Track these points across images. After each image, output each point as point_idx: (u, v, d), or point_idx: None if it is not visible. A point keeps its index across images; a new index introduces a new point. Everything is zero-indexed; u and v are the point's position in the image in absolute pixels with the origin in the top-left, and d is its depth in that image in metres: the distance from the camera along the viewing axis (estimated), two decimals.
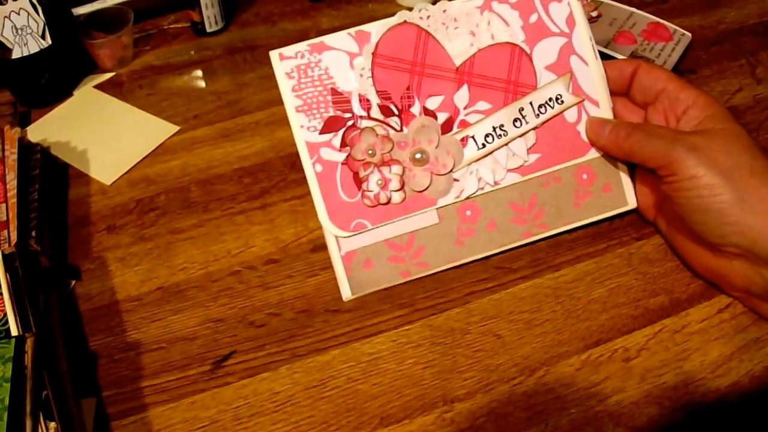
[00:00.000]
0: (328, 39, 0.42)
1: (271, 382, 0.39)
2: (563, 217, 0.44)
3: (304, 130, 0.41)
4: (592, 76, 0.44)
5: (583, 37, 0.44)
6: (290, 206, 0.49)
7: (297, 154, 0.53)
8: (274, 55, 0.41)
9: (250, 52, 0.65)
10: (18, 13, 0.55)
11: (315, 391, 0.38)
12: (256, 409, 0.38)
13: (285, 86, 0.41)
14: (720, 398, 0.37)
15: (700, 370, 0.38)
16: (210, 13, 0.66)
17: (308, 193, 0.49)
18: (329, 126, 0.41)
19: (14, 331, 0.36)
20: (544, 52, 0.43)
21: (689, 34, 0.60)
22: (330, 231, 0.41)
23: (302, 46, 0.41)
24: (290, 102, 0.41)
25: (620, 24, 0.60)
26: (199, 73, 0.63)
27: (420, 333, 0.41)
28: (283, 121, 0.56)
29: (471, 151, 0.42)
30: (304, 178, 0.51)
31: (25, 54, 0.56)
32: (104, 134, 0.57)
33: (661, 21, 0.60)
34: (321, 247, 0.46)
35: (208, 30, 0.67)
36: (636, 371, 0.38)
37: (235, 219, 0.49)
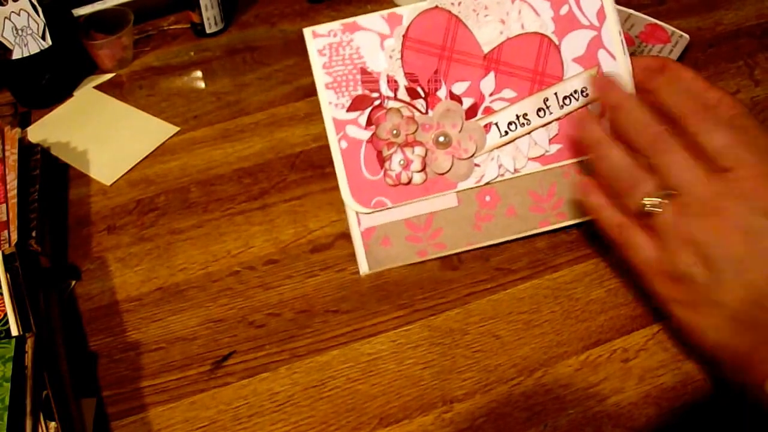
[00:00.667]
0: (361, 20, 0.42)
1: (271, 382, 0.39)
2: (581, 208, 0.44)
3: (332, 107, 0.42)
4: (620, 71, 0.44)
5: (613, 32, 0.44)
6: (290, 207, 0.49)
7: (296, 155, 0.53)
8: (307, 32, 0.42)
9: (249, 53, 0.65)
10: (18, 14, 0.55)
11: (314, 392, 0.39)
12: (256, 409, 0.38)
13: (316, 63, 0.42)
14: (719, 398, 0.37)
15: (698, 371, 0.38)
16: (210, 14, 0.66)
17: (308, 194, 0.50)
18: (357, 104, 0.42)
19: (14, 331, 0.36)
20: (573, 44, 0.43)
21: (687, 36, 0.60)
22: (351, 207, 0.42)
23: (335, 25, 0.42)
24: (320, 79, 0.42)
25: None
26: (198, 73, 0.63)
27: (419, 333, 0.41)
28: (283, 122, 0.57)
29: (493, 137, 0.43)
30: (304, 178, 0.51)
31: (25, 55, 0.56)
32: (104, 135, 0.57)
33: (659, 23, 0.61)
34: (321, 247, 0.46)
35: (208, 31, 0.67)
36: (635, 372, 0.38)
37: (234, 219, 0.49)
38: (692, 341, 0.36)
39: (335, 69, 0.42)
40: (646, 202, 0.36)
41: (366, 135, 0.42)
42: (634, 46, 0.58)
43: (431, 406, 0.38)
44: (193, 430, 0.37)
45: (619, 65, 0.44)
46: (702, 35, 0.63)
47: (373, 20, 0.42)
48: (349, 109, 0.42)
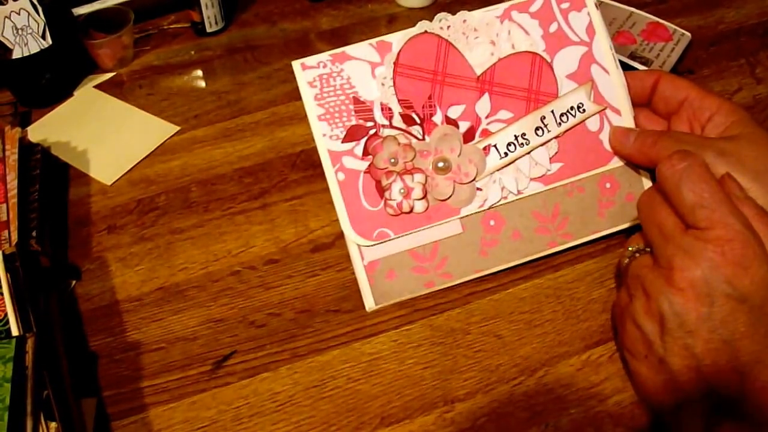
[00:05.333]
0: (350, 49, 0.42)
1: (272, 382, 0.39)
2: (587, 226, 0.43)
3: (326, 139, 0.41)
4: (614, 85, 0.43)
5: (604, 46, 0.43)
6: (290, 206, 0.49)
7: (297, 154, 0.53)
8: (296, 64, 0.42)
9: (250, 52, 0.65)
10: (18, 14, 0.55)
11: (315, 391, 0.38)
12: (257, 409, 0.38)
13: (307, 95, 0.41)
14: None
15: None
16: (210, 13, 0.66)
17: (308, 193, 0.50)
18: (352, 134, 0.41)
19: (15, 331, 0.36)
20: (565, 61, 0.43)
21: (689, 34, 0.60)
22: (353, 240, 0.41)
23: (324, 56, 0.42)
24: (312, 111, 0.41)
25: (620, 24, 0.60)
26: (199, 73, 0.63)
27: (420, 333, 0.41)
28: (284, 121, 0.56)
29: (493, 159, 0.42)
30: (305, 177, 0.51)
31: (25, 54, 0.56)
32: (104, 134, 0.57)
33: (661, 21, 0.61)
34: (321, 247, 0.46)
35: (208, 30, 0.67)
36: None
37: (235, 219, 0.49)
38: (635, 387, 0.36)
39: (327, 100, 0.41)
40: (626, 253, 0.37)
41: (363, 165, 0.41)
42: (636, 44, 0.58)
43: (432, 405, 0.38)
44: (193, 430, 0.37)
45: (612, 79, 0.43)
46: (703, 33, 0.63)
47: (362, 49, 0.42)
48: (344, 140, 0.41)
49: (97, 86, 0.62)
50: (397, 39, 0.42)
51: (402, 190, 0.41)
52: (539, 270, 0.44)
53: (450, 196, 0.42)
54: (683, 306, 0.31)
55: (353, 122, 0.42)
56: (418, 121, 0.42)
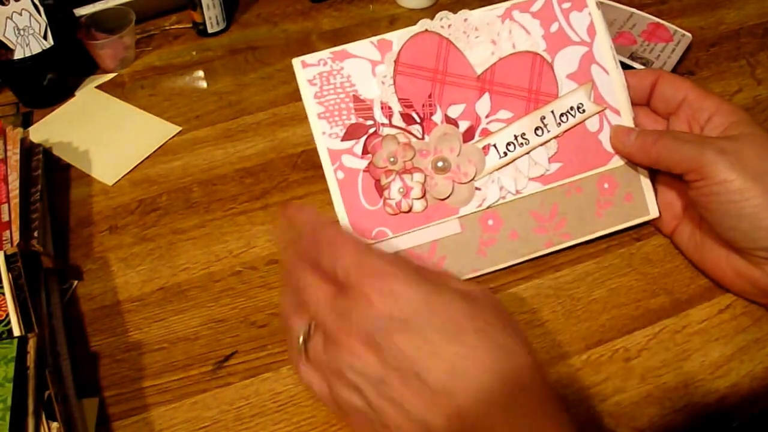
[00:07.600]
0: (351, 47, 0.42)
1: (273, 382, 0.39)
2: (585, 226, 0.43)
3: (326, 137, 0.41)
4: (614, 86, 0.43)
5: (604, 47, 0.44)
6: None
7: (298, 155, 0.53)
8: (296, 62, 0.42)
9: (251, 53, 0.65)
10: (20, 14, 0.55)
11: None
12: (258, 410, 0.38)
13: (307, 93, 0.41)
14: (720, 399, 0.37)
15: (700, 371, 0.38)
16: (211, 14, 0.66)
17: (309, 194, 0.50)
18: (351, 133, 0.42)
19: (16, 332, 0.36)
20: (565, 61, 0.43)
21: (689, 35, 0.60)
22: None
23: (325, 53, 0.42)
24: (312, 109, 0.41)
25: (620, 24, 0.60)
26: (200, 73, 0.63)
27: None
28: (285, 122, 0.57)
29: (493, 159, 0.42)
30: (306, 178, 0.51)
31: (27, 55, 0.56)
32: (106, 135, 0.57)
33: (661, 22, 0.61)
34: None
35: (210, 31, 0.67)
36: (636, 371, 0.38)
37: (236, 219, 0.49)
38: None
39: (327, 98, 0.41)
40: (300, 340, 0.32)
41: (362, 164, 0.41)
42: (636, 45, 0.58)
43: None
44: (195, 430, 0.37)
45: (612, 79, 0.44)
46: (704, 34, 0.63)
47: (363, 47, 0.42)
48: (343, 139, 0.41)
49: (99, 87, 0.62)
50: (397, 37, 0.42)
51: (401, 189, 0.41)
52: (539, 270, 0.44)
53: (449, 196, 0.42)
54: (370, 367, 0.28)
55: (353, 120, 0.42)
56: (418, 120, 0.42)
